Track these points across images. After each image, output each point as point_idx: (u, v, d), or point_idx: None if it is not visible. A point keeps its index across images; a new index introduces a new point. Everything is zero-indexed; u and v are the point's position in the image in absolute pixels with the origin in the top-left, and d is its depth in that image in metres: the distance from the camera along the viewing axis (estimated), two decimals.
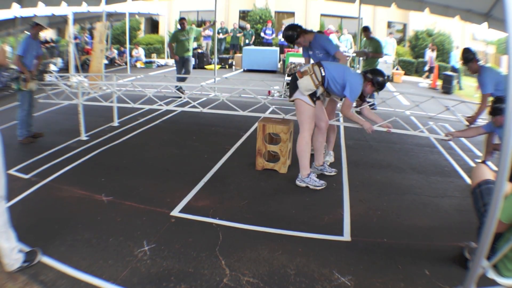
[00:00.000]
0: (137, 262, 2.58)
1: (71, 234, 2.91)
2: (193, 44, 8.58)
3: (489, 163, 3.60)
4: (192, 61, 8.64)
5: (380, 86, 3.89)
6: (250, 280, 2.44)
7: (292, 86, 3.91)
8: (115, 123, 6.13)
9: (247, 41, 15.26)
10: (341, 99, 4.27)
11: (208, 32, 14.22)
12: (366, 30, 7.57)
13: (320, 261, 2.67)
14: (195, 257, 2.67)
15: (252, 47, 14.68)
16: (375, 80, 3.84)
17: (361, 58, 8.74)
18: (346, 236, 3.03)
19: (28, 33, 5.00)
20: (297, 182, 3.99)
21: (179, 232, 3.00)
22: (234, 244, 2.86)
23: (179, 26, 8.59)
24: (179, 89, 7.55)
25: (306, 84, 3.76)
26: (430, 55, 13.84)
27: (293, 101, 3.95)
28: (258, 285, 2.40)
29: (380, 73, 3.91)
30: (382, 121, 3.99)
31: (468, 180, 4.34)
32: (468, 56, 4.37)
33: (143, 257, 2.65)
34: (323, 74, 3.79)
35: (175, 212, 3.32)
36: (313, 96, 3.82)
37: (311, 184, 3.93)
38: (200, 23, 17.76)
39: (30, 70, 4.94)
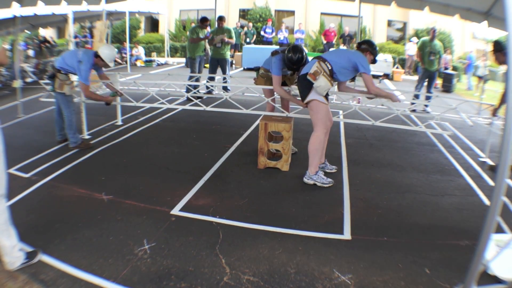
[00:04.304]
0: (138, 261, 2.59)
1: (71, 233, 2.91)
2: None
3: None
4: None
5: (375, 54, 4.06)
6: (250, 278, 2.44)
7: (304, 88, 3.87)
8: (119, 121, 6.12)
9: (248, 39, 15.25)
10: None
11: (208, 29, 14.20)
12: (220, 19, 8.42)
13: (320, 260, 2.67)
14: (195, 256, 2.67)
15: (252, 45, 14.67)
16: (371, 49, 4.01)
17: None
18: (347, 235, 3.03)
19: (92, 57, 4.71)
20: (305, 180, 3.99)
21: (179, 231, 3.00)
22: (234, 242, 2.86)
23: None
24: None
25: (324, 85, 3.73)
26: (445, 57, 13.78)
27: (307, 103, 3.93)
28: (258, 283, 2.40)
29: (371, 42, 4.15)
30: (390, 95, 4.09)
31: (468, 179, 4.35)
32: (497, 47, 4.48)
33: (144, 255, 2.65)
34: (330, 67, 3.81)
35: (175, 211, 3.32)
36: (326, 95, 3.87)
37: (319, 182, 3.94)
38: None
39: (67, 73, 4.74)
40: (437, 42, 8.08)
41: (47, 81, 4.85)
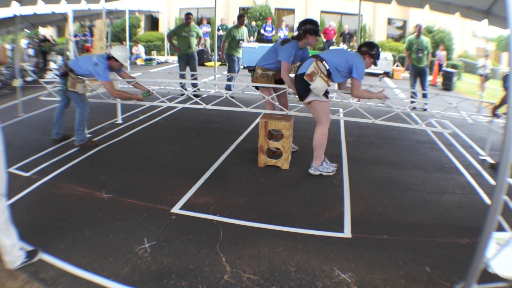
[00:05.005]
0: (138, 259, 2.59)
1: (71, 231, 2.91)
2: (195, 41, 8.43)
3: None
4: (196, 58, 8.54)
5: (376, 57, 4.01)
6: (251, 277, 2.44)
7: (302, 89, 3.89)
8: (119, 120, 6.12)
9: (250, 38, 15.22)
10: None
11: (206, 28, 14.19)
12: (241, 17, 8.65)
13: (321, 258, 2.67)
14: (196, 254, 2.67)
15: (252, 44, 14.65)
16: (371, 52, 3.97)
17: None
18: (347, 233, 3.03)
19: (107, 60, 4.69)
20: (311, 171, 4.11)
21: (179, 229, 3.00)
22: (234, 241, 2.86)
23: (184, 21, 8.38)
24: (192, 88, 7.92)
25: (320, 87, 3.76)
26: (440, 54, 13.74)
27: (307, 103, 3.97)
28: (259, 282, 2.40)
29: (372, 44, 4.09)
30: (375, 95, 4.08)
31: (469, 177, 4.35)
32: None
33: (144, 254, 2.65)
34: (327, 67, 3.82)
35: (176, 209, 3.32)
36: (325, 92, 3.91)
37: (325, 171, 4.08)
38: (200, 20, 17.74)
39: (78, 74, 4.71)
40: (423, 38, 8.09)
41: (58, 79, 4.89)
